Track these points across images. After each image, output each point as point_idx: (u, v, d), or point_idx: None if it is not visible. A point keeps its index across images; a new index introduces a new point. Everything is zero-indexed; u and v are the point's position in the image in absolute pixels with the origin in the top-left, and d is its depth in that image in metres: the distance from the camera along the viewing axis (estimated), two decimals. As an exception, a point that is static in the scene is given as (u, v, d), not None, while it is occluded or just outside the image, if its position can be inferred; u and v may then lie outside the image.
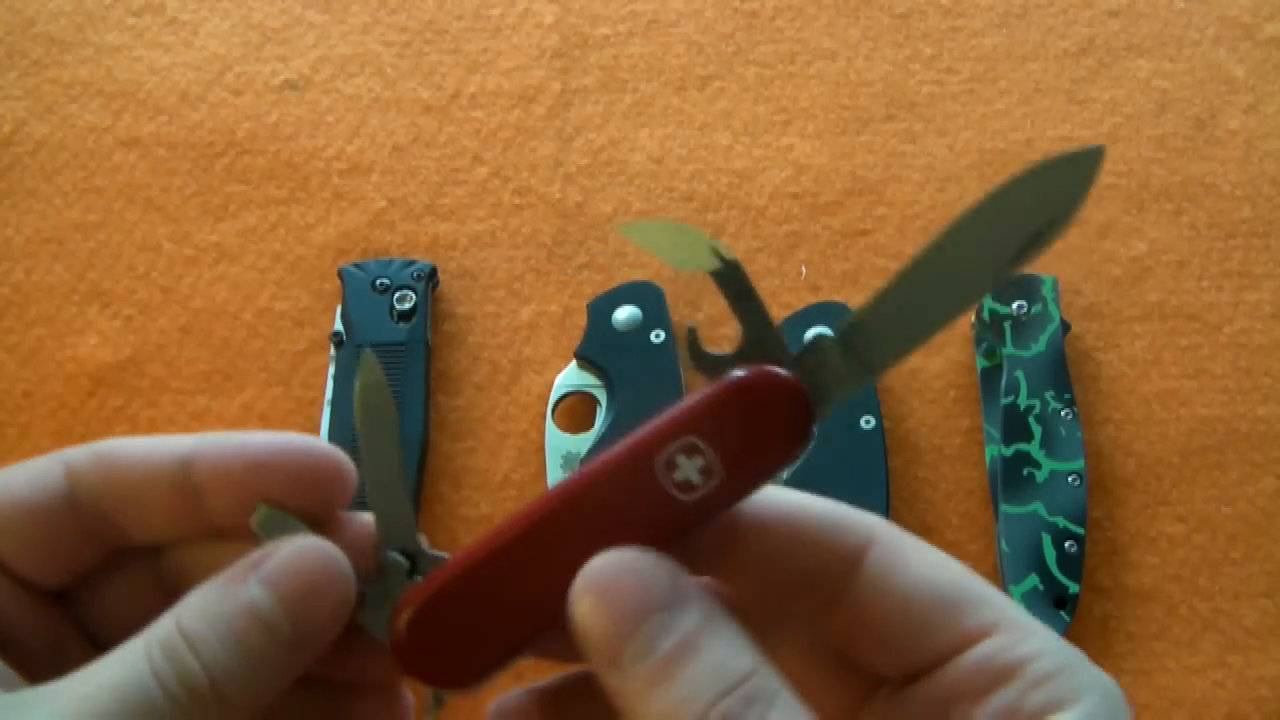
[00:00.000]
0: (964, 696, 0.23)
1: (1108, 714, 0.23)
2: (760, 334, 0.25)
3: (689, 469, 0.24)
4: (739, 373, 0.24)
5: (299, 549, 0.24)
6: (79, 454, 0.26)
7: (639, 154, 0.60)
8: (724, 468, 0.24)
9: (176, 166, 0.59)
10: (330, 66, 0.61)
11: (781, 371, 0.24)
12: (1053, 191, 0.24)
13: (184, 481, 0.25)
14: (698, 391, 0.24)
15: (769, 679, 0.22)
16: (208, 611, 0.23)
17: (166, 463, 0.25)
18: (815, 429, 0.24)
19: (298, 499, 0.25)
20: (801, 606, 0.25)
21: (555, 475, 0.52)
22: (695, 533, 0.24)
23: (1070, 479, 0.50)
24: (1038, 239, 0.24)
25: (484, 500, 0.53)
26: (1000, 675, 0.23)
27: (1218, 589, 0.51)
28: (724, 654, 0.22)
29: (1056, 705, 0.22)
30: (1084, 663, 0.23)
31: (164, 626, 0.23)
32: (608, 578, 0.23)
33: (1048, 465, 0.51)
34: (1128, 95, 0.61)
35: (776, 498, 0.25)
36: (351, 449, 0.25)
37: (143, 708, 0.22)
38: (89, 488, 0.25)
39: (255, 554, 0.24)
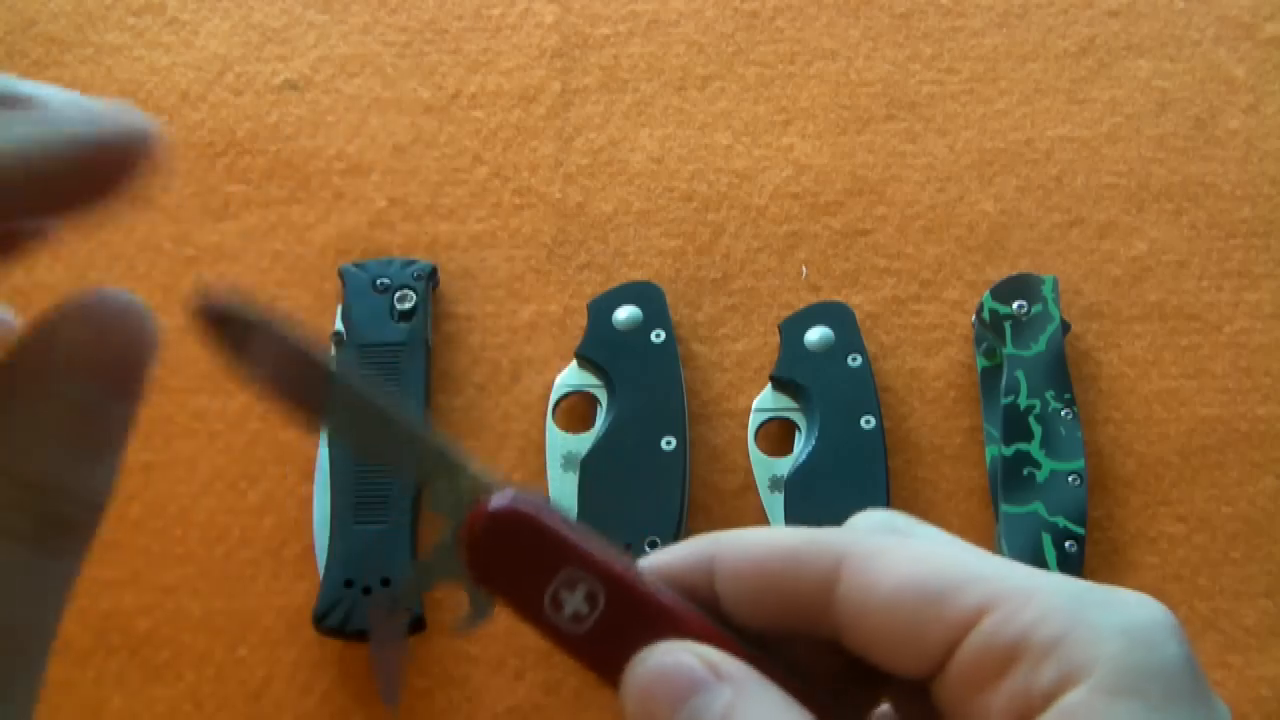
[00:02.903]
0: (975, 687, 0.22)
1: (1132, 664, 0.20)
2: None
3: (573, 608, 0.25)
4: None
5: None
6: None
7: (639, 154, 0.60)
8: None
9: (176, 166, 0.59)
10: (330, 66, 0.61)
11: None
12: None
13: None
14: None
15: None
16: None
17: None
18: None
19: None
20: (808, 637, 0.25)
21: (555, 475, 0.52)
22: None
23: (1070, 479, 0.50)
24: None
25: (484, 500, 0.52)
26: (1005, 656, 0.21)
27: (1218, 589, 0.51)
28: None
29: (1069, 679, 0.20)
30: (1098, 606, 0.21)
31: None
32: (645, 674, 0.24)
33: (1048, 465, 0.51)
34: (1128, 95, 0.61)
35: (740, 542, 0.25)
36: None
37: None
38: None
39: None
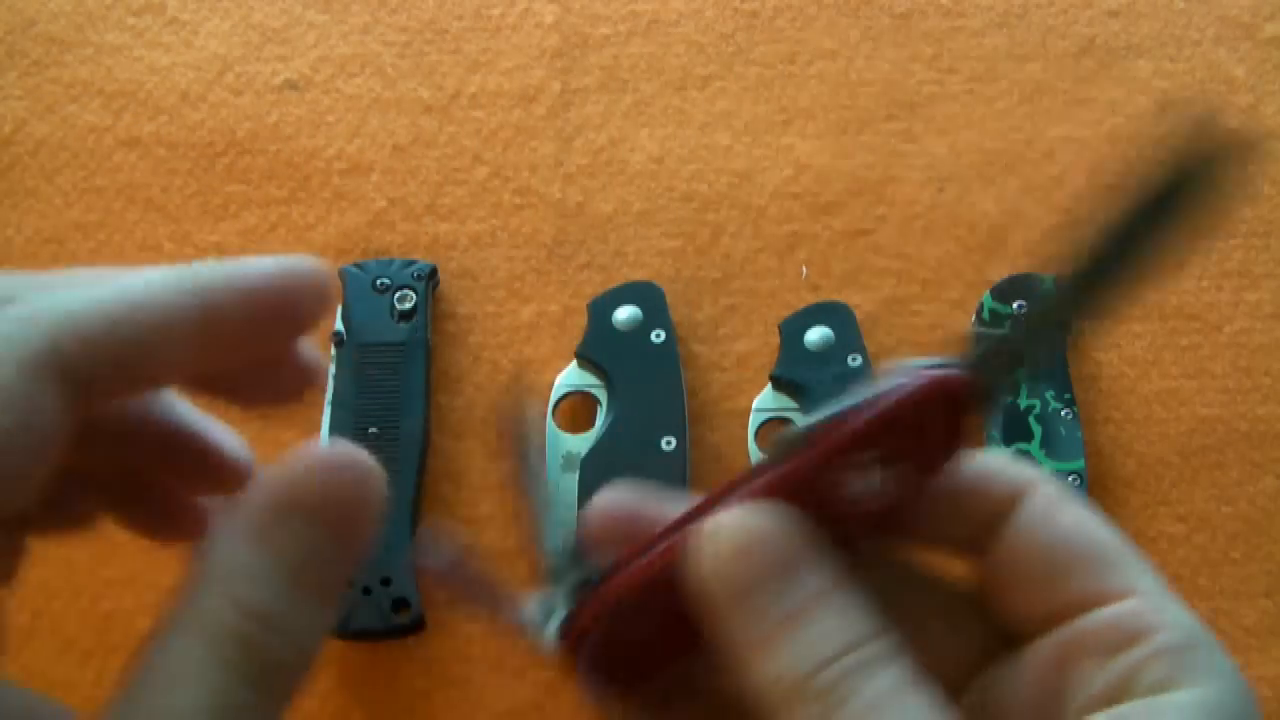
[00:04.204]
0: (1088, 653, 0.23)
1: (1228, 703, 0.22)
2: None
3: (863, 485, 0.23)
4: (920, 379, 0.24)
5: (324, 463, 0.22)
6: None
7: (639, 154, 0.60)
8: (895, 478, 0.24)
9: (176, 166, 0.59)
10: (330, 66, 0.61)
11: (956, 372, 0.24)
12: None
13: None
14: (871, 402, 0.24)
15: (880, 647, 0.22)
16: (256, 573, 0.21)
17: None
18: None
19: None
20: (955, 549, 0.26)
21: (555, 475, 0.52)
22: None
23: (1070, 479, 0.50)
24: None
25: (484, 500, 0.53)
26: (1128, 638, 0.23)
27: (1218, 589, 0.51)
28: (837, 622, 0.22)
29: (1176, 682, 0.22)
30: (1215, 647, 0.23)
31: (217, 616, 0.20)
32: (733, 535, 0.23)
33: (1048, 465, 0.51)
34: (1128, 95, 0.61)
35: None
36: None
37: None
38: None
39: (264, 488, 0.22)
